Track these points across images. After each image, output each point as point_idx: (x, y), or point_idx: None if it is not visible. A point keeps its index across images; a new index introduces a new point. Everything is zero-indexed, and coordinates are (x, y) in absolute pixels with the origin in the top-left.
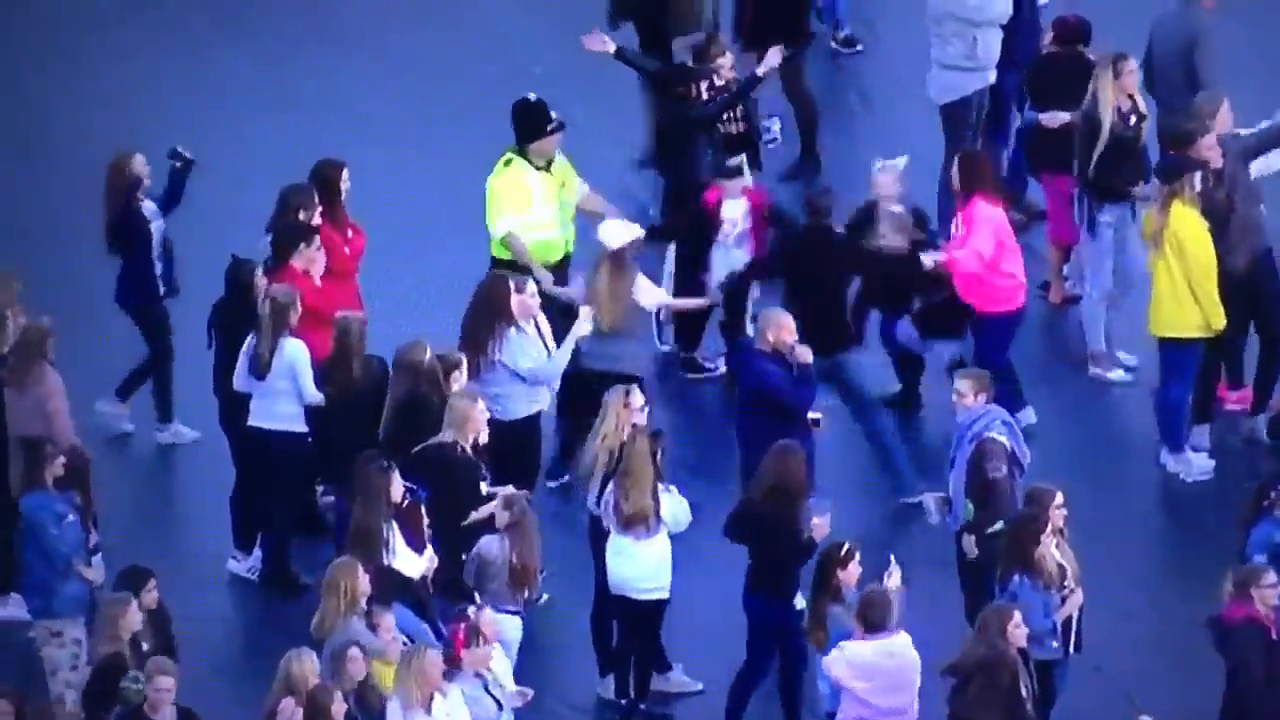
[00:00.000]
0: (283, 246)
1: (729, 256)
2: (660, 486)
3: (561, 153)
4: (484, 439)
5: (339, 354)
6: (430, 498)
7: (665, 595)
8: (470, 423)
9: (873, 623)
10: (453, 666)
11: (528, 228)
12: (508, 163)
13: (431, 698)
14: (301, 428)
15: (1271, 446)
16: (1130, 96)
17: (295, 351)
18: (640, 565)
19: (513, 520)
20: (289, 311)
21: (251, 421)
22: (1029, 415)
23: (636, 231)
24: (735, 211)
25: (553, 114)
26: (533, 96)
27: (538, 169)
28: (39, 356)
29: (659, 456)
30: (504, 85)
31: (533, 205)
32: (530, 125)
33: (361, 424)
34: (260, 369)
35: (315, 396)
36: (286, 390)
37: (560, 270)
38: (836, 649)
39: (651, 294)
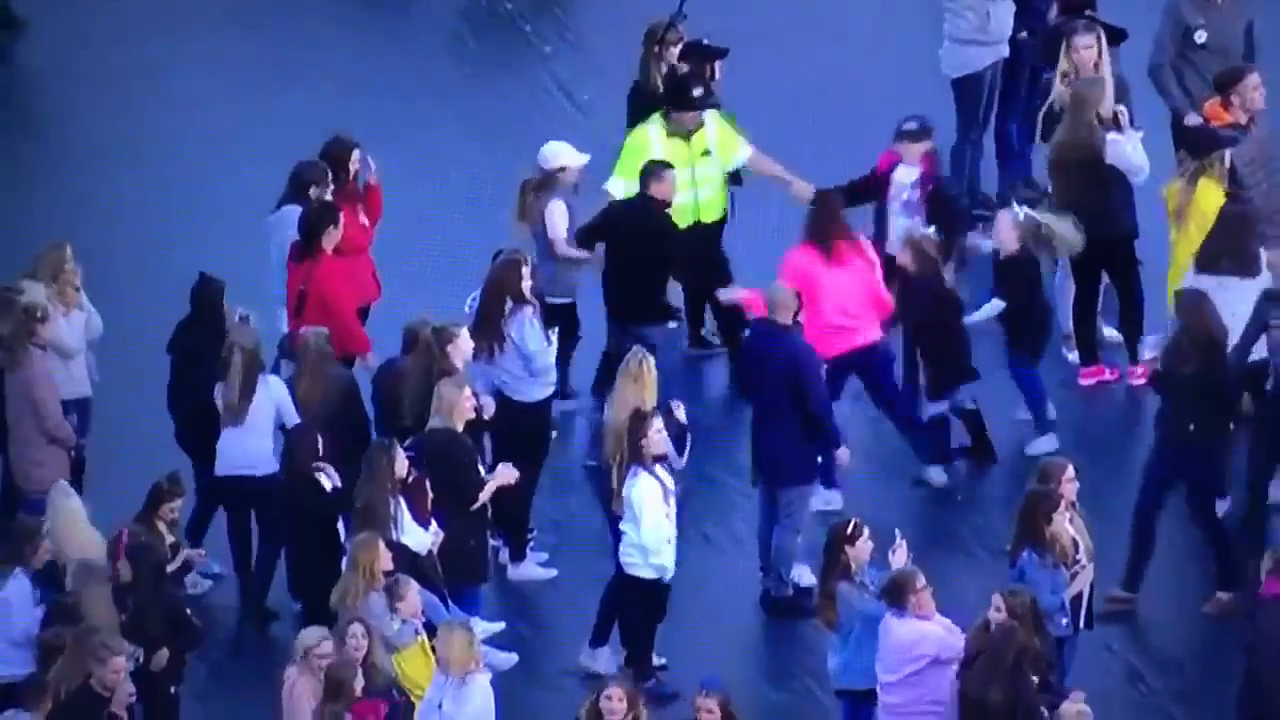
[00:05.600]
0: (314, 227)
1: (894, 224)
2: (632, 468)
3: (724, 118)
4: (486, 414)
5: (295, 369)
6: (432, 484)
7: (651, 575)
8: (457, 410)
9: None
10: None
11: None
12: (646, 124)
13: (465, 674)
14: (273, 467)
15: None
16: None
17: (278, 388)
18: (628, 539)
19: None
20: (258, 357)
21: (220, 471)
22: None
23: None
24: (908, 178)
25: (696, 91)
26: (684, 68)
27: (671, 135)
28: (25, 339)
29: (639, 439)
30: (511, 67)
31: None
32: (671, 95)
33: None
34: (233, 418)
35: (295, 419)
36: (264, 426)
37: (717, 229)
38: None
39: None
